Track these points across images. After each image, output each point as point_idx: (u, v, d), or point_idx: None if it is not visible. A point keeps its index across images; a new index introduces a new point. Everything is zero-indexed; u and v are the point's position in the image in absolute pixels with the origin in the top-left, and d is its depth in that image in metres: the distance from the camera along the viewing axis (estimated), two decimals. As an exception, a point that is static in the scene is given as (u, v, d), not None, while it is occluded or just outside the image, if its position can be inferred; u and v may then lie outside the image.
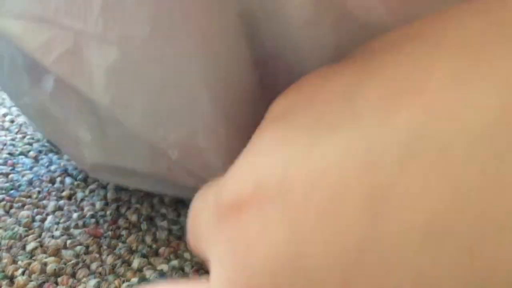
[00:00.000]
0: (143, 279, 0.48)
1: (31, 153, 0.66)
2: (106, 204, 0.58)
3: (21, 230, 0.53)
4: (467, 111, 0.17)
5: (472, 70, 0.18)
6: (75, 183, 0.61)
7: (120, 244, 0.52)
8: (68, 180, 0.62)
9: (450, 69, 0.18)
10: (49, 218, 0.55)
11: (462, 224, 0.17)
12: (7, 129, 0.72)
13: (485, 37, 0.18)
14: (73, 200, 0.59)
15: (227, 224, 0.25)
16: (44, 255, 0.50)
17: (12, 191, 0.59)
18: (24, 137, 0.70)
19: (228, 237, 0.25)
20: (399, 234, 0.17)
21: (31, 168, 0.64)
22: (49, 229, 0.54)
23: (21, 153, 0.66)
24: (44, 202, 0.58)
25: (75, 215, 0.56)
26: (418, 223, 0.17)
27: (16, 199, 0.58)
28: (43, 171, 0.63)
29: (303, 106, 0.23)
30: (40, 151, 0.67)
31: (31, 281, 0.47)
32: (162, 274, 0.48)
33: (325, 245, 0.19)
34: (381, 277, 0.18)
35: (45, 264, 0.49)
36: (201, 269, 0.49)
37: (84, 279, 0.48)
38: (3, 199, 0.58)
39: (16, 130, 0.72)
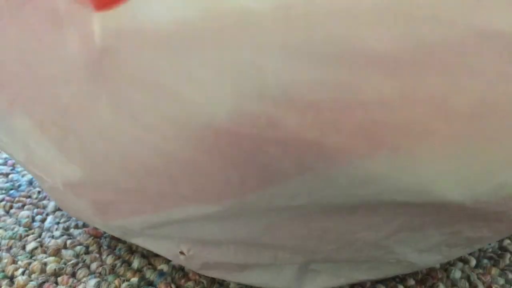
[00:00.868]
0: (143, 279, 0.48)
1: (31, 153, 0.66)
2: (106, 203, 0.58)
3: (21, 230, 0.53)
4: None
5: None
6: (75, 182, 0.61)
7: (120, 244, 0.52)
8: (68, 179, 0.61)
9: None
10: (49, 218, 0.55)
11: None
12: (7, 129, 0.72)
13: None
14: (73, 200, 0.59)
15: None
16: (44, 255, 0.50)
17: (12, 191, 0.59)
18: (24, 137, 0.70)
19: None
20: None
21: (31, 168, 0.64)
22: (49, 229, 0.54)
23: (21, 153, 0.67)
24: (44, 202, 0.58)
25: (75, 215, 0.56)
26: None
27: (16, 199, 0.58)
28: (43, 171, 0.63)
29: None
30: (40, 151, 0.67)
31: (31, 281, 0.47)
32: (162, 274, 0.48)
33: None
34: None
35: (45, 264, 0.49)
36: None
37: (84, 279, 0.48)
38: (3, 199, 0.58)
39: (16, 130, 0.72)
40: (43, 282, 0.47)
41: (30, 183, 0.61)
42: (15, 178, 0.61)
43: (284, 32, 0.23)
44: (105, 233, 0.53)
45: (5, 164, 0.64)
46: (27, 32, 0.29)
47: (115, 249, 0.52)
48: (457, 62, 0.24)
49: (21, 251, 0.51)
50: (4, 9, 0.30)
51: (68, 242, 0.52)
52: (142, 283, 0.48)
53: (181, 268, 0.49)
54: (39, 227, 0.54)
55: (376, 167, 0.25)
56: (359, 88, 0.23)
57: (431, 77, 0.23)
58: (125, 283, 0.47)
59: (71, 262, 0.50)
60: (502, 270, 0.50)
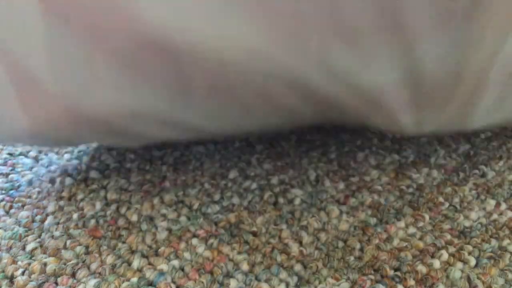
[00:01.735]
0: (143, 279, 0.48)
1: (31, 153, 0.66)
2: (106, 204, 0.58)
3: (21, 230, 0.53)
4: None
5: None
6: (75, 183, 0.61)
7: (120, 244, 0.52)
8: (68, 180, 0.62)
9: None
10: (49, 218, 0.55)
11: None
12: (7, 130, 0.72)
13: None
14: (73, 201, 0.59)
15: None
16: (44, 255, 0.50)
17: (12, 191, 0.59)
18: (24, 137, 0.70)
19: None
20: None
21: (31, 169, 0.64)
22: (49, 230, 0.54)
23: (21, 153, 0.67)
24: (44, 202, 0.58)
25: (75, 215, 0.56)
26: None
27: (16, 199, 0.58)
28: (43, 171, 0.63)
29: None
30: (40, 151, 0.67)
31: (31, 281, 0.47)
32: (162, 274, 0.48)
33: None
34: None
35: (45, 264, 0.49)
36: (201, 268, 0.49)
37: (84, 279, 0.48)
38: (3, 199, 0.58)
39: (16, 130, 0.72)
40: (43, 282, 0.47)
41: (30, 183, 0.61)
42: (15, 179, 0.61)
43: None
44: (105, 233, 0.53)
45: (5, 164, 0.64)
46: None
47: (115, 249, 0.52)
48: None
49: (21, 251, 0.51)
50: None
51: (68, 242, 0.52)
52: (142, 283, 0.48)
53: (181, 268, 0.49)
54: (39, 227, 0.54)
55: None
56: None
57: None
58: (125, 283, 0.47)
59: (71, 262, 0.50)
60: (502, 270, 0.50)
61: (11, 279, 0.48)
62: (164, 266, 0.49)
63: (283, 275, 0.49)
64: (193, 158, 0.67)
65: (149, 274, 0.48)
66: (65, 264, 0.49)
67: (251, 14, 0.35)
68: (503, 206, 0.59)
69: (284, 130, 0.46)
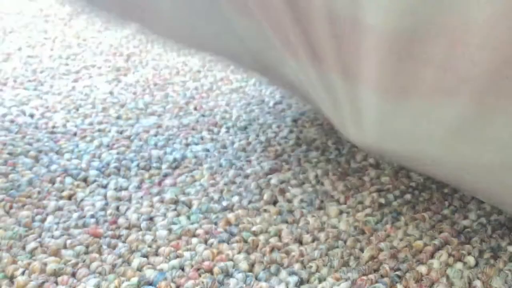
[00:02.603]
0: (143, 279, 0.48)
1: (31, 153, 0.66)
2: (106, 203, 0.58)
3: (21, 230, 0.53)
4: None
5: None
6: (75, 183, 0.61)
7: (120, 244, 0.52)
8: (68, 180, 0.62)
9: None
10: (49, 218, 0.55)
11: None
12: (7, 129, 0.72)
13: None
14: (73, 200, 0.59)
15: None
16: (44, 255, 0.50)
17: (12, 191, 0.59)
18: (24, 137, 0.70)
19: None
20: None
21: (31, 168, 0.64)
22: (49, 229, 0.54)
23: (21, 153, 0.67)
24: (44, 202, 0.58)
25: (75, 215, 0.56)
26: None
27: (16, 199, 0.58)
28: (43, 171, 0.63)
29: None
30: (40, 151, 0.67)
31: (31, 281, 0.47)
32: (162, 274, 0.48)
33: None
34: None
35: (45, 264, 0.49)
36: (201, 268, 0.49)
37: (84, 278, 0.48)
38: (3, 199, 0.58)
39: (16, 130, 0.72)
40: (43, 282, 0.47)
41: (30, 183, 0.61)
42: (15, 178, 0.61)
43: None
44: (105, 232, 0.53)
45: (5, 164, 0.64)
46: None
47: (115, 248, 0.52)
48: None
49: (21, 251, 0.51)
50: None
51: (68, 242, 0.52)
52: (142, 282, 0.48)
53: (181, 268, 0.50)
54: (39, 227, 0.54)
55: None
56: None
57: None
58: (125, 283, 0.47)
59: (71, 262, 0.50)
60: (501, 270, 0.50)
61: (11, 278, 0.48)
62: (164, 266, 0.49)
63: (283, 274, 0.49)
64: (193, 157, 0.67)
65: (149, 274, 0.48)
66: (65, 263, 0.50)
67: None
68: (503, 206, 0.59)
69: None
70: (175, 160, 0.66)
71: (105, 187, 0.61)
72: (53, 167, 0.64)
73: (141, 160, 0.66)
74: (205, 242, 0.53)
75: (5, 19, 1.17)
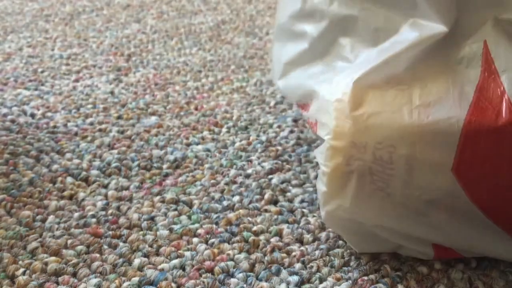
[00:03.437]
0: (144, 278, 0.48)
1: (32, 153, 0.66)
2: (107, 203, 0.58)
3: (22, 230, 0.53)
4: None
5: None
6: (76, 182, 0.61)
7: (121, 244, 0.52)
8: (69, 179, 0.62)
9: None
10: (50, 217, 0.55)
11: None
12: (8, 129, 0.72)
13: None
14: (74, 200, 0.59)
15: None
16: (45, 255, 0.50)
17: (13, 191, 0.59)
18: (25, 137, 0.70)
19: None
20: None
21: (32, 168, 0.64)
22: (50, 229, 0.54)
23: (22, 153, 0.67)
24: (45, 202, 0.58)
25: (76, 214, 0.56)
26: None
27: (17, 199, 0.58)
28: (44, 170, 0.63)
29: None
30: (41, 151, 0.67)
31: (32, 280, 0.47)
32: (163, 273, 0.48)
33: None
34: None
35: (46, 263, 0.49)
36: (202, 268, 0.49)
37: (85, 278, 0.48)
38: (4, 199, 0.58)
39: (17, 130, 0.72)
40: (44, 282, 0.47)
41: (31, 183, 0.61)
42: (16, 178, 0.61)
43: None
44: (106, 232, 0.53)
45: (6, 163, 0.64)
46: None
47: (115, 248, 0.52)
48: None
49: (22, 251, 0.51)
50: None
51: (69, 242, 0.52)
52: (143, 282, 0.48)
53: (182, 267, 0.50)
54: (40, 227, 0.54)
55: None
56: None
57: None
58: (126, 283, 0.47)
59: (72, 261, 0.50)
60: (503, 271, 0.50)
61: (12, 278, 0.48)
62: (165, 266, 0.49)
63: (284, 274, 0.49)
64: (194, 157, 0.67)
65: (150, 274, 0.48)
66: (66, 263, 0.50)
67: None
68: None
69: None
70: (176, 160, 0.66)
71: (106, 187, 0.61)
72: (54, 167, 0.64)
73: (142, 160, 0.66)
74: (206, 242, 0.53)
75: (6, 19, 1.17)
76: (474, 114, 0.43)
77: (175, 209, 0.57)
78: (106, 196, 0.59)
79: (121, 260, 0.50)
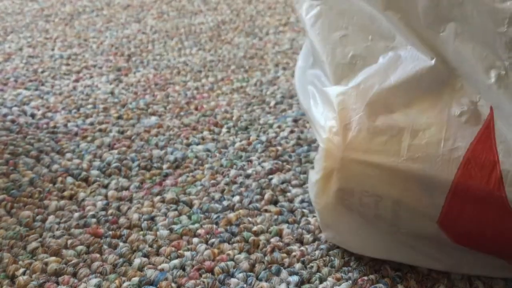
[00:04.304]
0: (144, 278, 0.48)
1: (32, 153, 0.66)
2: (107, 203, 0.58)
3: (22, 230, 0.53)
4: None
5: None
6: (76, 183, 0.61)
7: (121, 244, 0.52)
8: (69, 180, 0.62)
9: None
10: (50, 218, 0.55)
11: None
12: (8, 129, 0.72)
13: None
14: (74, 200, 0.59)
15: None
16: (45, 255, 0.50)
17: (13, 191, 0.59)
18: (25, 137, 0.70)
19: None
20: None
21: (32, 168, 0.64)
22: (50, 229, 0.54)
23: (22, 153, 0.67)
24: (45, 202, 0.58)
25: (76, 215, 0.56)
26: None
27: (17, 199, 0.58)
28: (44, 171, 0.63)
29: None
30: (41, 151, 0.67)
31: (32, 280, 0.47)
32: (163, 273, 0.48)
33: None
34: None
35: (46, 264, 0.49)
36: (202, 268, 0.49)
37: (85, 278, 0.48)
38: (4, 199, 0.58)
39: (17, 130, 0.72)
40: (44, 282, 0.47)
41: (31, 183, 0.61)
42: (16, 178, 0.61)
43: None
44: (106, 232, 0.53)
45: (6, 164, 0.64)
46: None
47: (116, 248, 0.52)
48: None
49: (22, 251, 0.51)
50: None
51: (69, 242, 0.52)
52: (143, 282, 0.48)
53: (182, 267, 0.50)
54: (40, 227, 0.54)
55: None
56: None
57: None
58: (126, 283, 0.47)
59: (72, 262, 0.50)
60: (503, 270, 0.50)
61: (12, 278, 0.48)
62: (165, 266, 0.49)
63: (284, 274, 0.49)
64: (194, 157, 0.67)
65: (150, 274, 0.48)
66: (66, 263, 0.50)
67: None
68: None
69: None
70: (176, 160, 0.66)
71: (106, 187, 0.61)
72: (54, 167, 0.64)
73: (142, 160, 0.66)
74: (206, 242, 0.53)
75: (6, 19, 1.17)
76: (463, 176, 0.42)
77: (175, 209, 0.57)
78: (106, 196, 0.59)
79: (121, 260, 0.50)
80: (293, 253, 0.51)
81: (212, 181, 0.62)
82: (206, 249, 0.52)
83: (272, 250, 0.52)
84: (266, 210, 0.58)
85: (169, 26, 1.15)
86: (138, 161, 0.65)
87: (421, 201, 0.43)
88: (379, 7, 0.47)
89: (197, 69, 0.93)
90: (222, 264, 0.50)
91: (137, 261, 0.50)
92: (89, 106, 0.79)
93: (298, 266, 0.50)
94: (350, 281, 0.48)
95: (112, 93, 0.83)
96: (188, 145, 0.70)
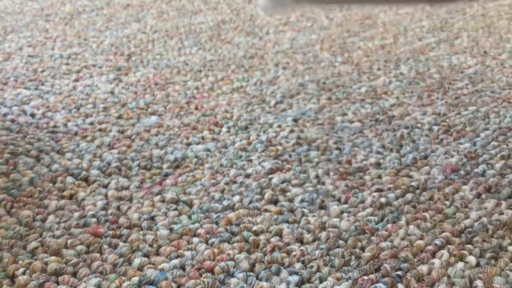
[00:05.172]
0: (144, 278, 0.48)
1: (32, 153, 0.66)
2: (107, 203, 0.58)
3: (22, 229, 0.53)
4: None
5: None
6: (76, 182, 0.61)
7: (121, 243, 0.52)
8: (69, 179, 0.62)
9: None
10: (50, 217, 0.55)
11: None
12: (8, 129, 0.72)
13: None
14: (74, 200, 0.59)
15: None
16: (45, 255, 0.50)
17: (13, 191, 0.59)
18: (25, 136, 0.70)
19: None
20: None
21: (32, 168, 0.64)
22: (50, 229, 0.54)
23: (22, 153, 0.67)
24: (45, 201, 0.58)
25: (76, 214, 0.56)
26: None
27: (17, 198, 0.58)
28: (44, 170, 0.63)
29: None
30: (41, 151, 0.67)
31: (32, 280, 0.47)
32: (163, 273, 0.48)
33: None
34: None
35: (46, 263, 0.49)
36: (202, 267, 0.49)
37: (85, 278, 0.48)
38: (4, 199, 0.58)
39: (17, 129, 0.72)
40: (44, 282, 0.47)
41: (31, 182, 0.61)
42: (16, 178, 0.61)
43: None
44: (106, 232, 0.53)
45: (6, 163, 0.64)
46: None
47: (116, 248, 0.52)
48: None
49: (22, 251, 0.51)
50: None
51: (69, 241, 0.52)
52: (143, 282, 0.48)
53: (182, 267, 0.50)
54: (40, 226, 0.54)
55: None
56: None
57: None
58: (126, 282, 0.47)
59: (72, 261, 0.50)
60: (503, 270, 0.50)
61: (12, 278, 0.48)
62: (165, 265, 0.49)
63: (284, 274, 0.49)
64: (194, 157, 0.67)
65: (150, 273, 0.48)
66: (66, 263, 0.50)
67: None
68: (504, 206, 0.59)
69: None
70: (176, 159, 0.66)
71: (106, 186, 0.61)
72: (54, 166, 0.64)
73: (142, 160, 0.66)
74: (206, 241, 0.53)
75: (6, 18, 1.17)
76: None
77: (175, 209, 0.57)
78: (106, 195, 0.59)
79: (121, 259, 0.50)
80: (293, 253, 0.51)
81: (212, 181, 0.62)
82: (206, 248, 0.52)
83: (272, 250, 0.52)
84: (266, 210, 0.58)
85: (169, 26, 1.15)
86: (138, 161, 0.65)
87: None
88: None
89: (197, 68, 0.93)
90: (222, 263, 0.50)
91: (137, 261, 0.50)
92: (89, 105, 0.79)
93: (298, 265, 0.50)
94: (350, 281, 0.48)
95: (112, 92, 0.83)
96: (188, 144, 0.70)
